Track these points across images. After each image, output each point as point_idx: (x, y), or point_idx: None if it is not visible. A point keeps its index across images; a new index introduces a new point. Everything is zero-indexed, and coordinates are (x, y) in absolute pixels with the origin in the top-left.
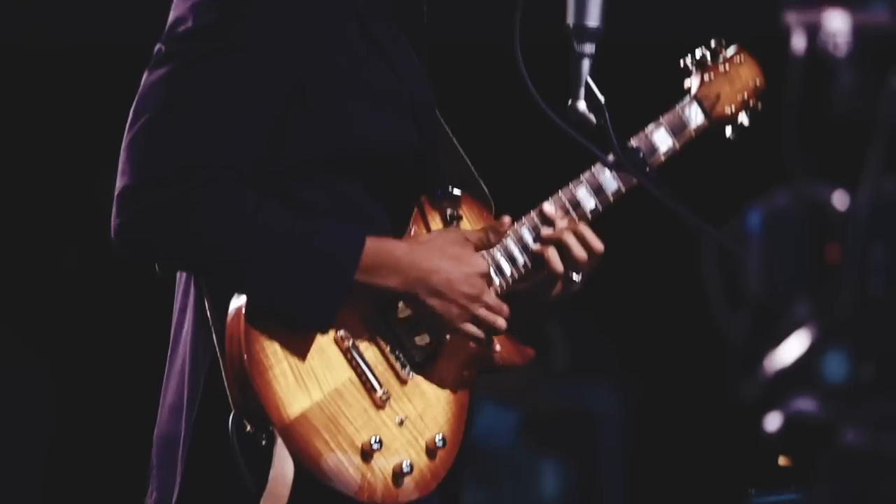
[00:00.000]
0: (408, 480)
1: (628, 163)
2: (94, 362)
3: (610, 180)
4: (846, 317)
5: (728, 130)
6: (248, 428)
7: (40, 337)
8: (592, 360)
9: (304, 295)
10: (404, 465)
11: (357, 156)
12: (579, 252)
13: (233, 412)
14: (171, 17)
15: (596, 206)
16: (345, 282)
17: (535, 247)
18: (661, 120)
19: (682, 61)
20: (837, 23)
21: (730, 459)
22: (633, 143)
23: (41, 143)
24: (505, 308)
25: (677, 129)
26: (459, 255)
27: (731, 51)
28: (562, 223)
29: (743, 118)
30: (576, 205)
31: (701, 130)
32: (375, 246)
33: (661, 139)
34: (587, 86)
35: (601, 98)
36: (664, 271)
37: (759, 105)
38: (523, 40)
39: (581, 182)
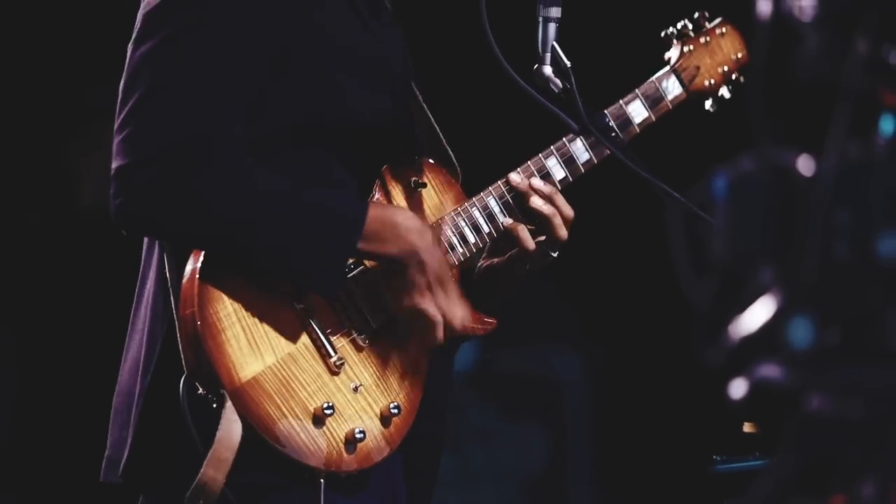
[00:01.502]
0: (360, 447)
1: (594, 127)
2: (59, 318)
3: (581, 151)
4: (811, 282)
5: (708, 103)
6: (200, 390)
7: (2, 296)
8: (557, 326)
9: (313, 259)
10: (356, 432)
11: (334, 122)
12: (558, 222)
13: (184, 374)
14: None
15: (566, 176)
16: (352, 245)
17: (504, 219)
18: (637, 91)
19: (663, 32)
20: None
21: (695, 426)
22: (607, 114)
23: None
24: (464, 307)
25: (653, 100)
26: (433, 242)
27: (714, 22)
28: (543, 190)
29: (724, 91)
30: (545, 175)
31: (678, 102)
32: (378, 213)
33: (636, 111)
34: (553, 50)
35: (567, 63)
36: (630, 236)
37: (741, 78)
38: (490, 5)
39: (551, 152)
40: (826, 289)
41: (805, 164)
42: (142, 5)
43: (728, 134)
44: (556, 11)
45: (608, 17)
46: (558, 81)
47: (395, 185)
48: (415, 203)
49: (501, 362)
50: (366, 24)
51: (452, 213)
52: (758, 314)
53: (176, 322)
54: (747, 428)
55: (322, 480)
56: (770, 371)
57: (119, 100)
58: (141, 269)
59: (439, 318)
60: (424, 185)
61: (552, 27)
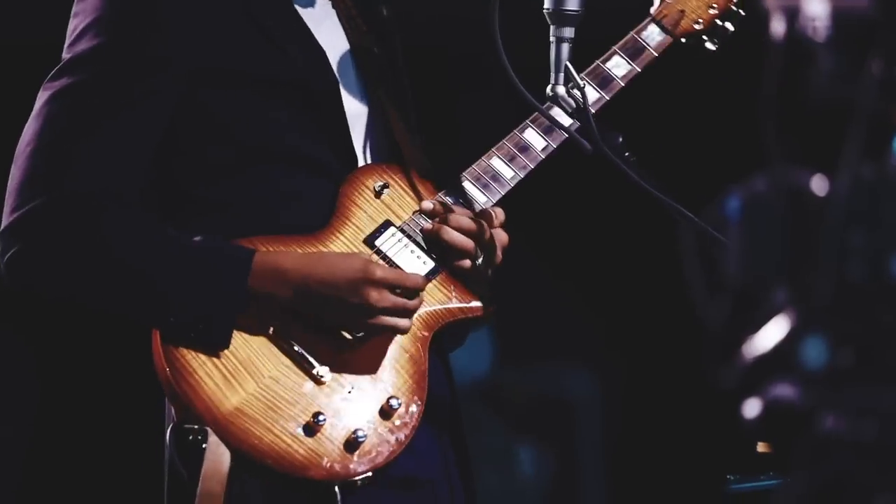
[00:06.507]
0: (365, 447)
1: (607, 149)
2: (78, 328)
3: (537, 137)
4: (825, 302)
5: (708, 43)
6: (189, 437)
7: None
8: (571, 346)
9: (197, 316)
10: (358, 434)
11: (267, 151)
12: (461, 241)
13: (171, 424)
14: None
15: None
16: (238, 298)
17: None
18: (614, 48)
19: None
20: (816, 7)
21: (708, 446)
22: (585, 75)
23: None
24: (410, 304)
25: (634, 52)
26: (345, 266)
27: None
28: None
29: (723, 27)
30: (494, 177)
31: (664, 48)
32: (263, 259)
33: (616, 65)
34: (566, 70)
35: (581, 83)
36: (643, 256)
37: (742, 11)
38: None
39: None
40: (840, 309)
41: (818, 185)
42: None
43: (741, 154)
44: (569, 32)
45: None
46: (571, 101)
47: (360, 192)
48: (381, 206)
49: (513, 381)
50: (275, 44)
51: (416, 215)
52: (771, 334)
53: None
54: (761, 448)
55: (336, 490)
56: (784, 391)
57: (19, 142)
58: None
59: (403, 324)
60: (387, 186)
61: (565, 47)
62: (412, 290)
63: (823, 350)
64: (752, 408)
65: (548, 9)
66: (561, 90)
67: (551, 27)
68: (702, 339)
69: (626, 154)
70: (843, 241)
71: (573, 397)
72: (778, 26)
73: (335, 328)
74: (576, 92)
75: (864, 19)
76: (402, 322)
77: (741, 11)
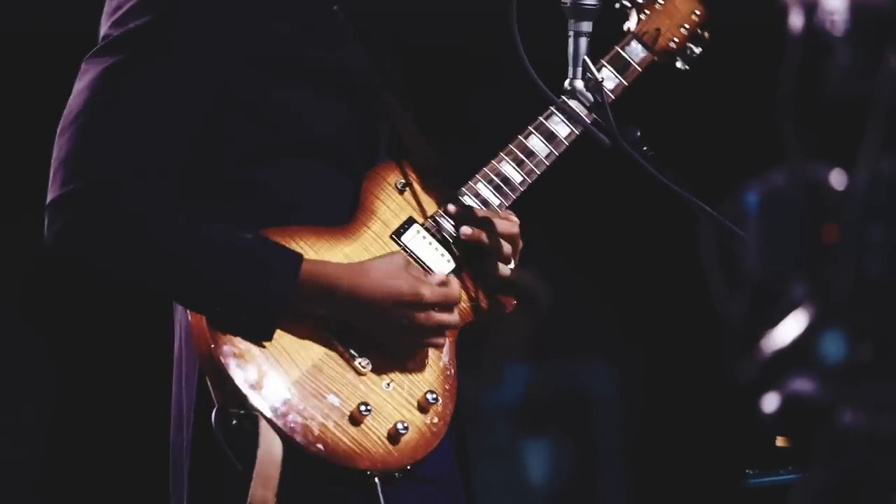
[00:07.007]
0: (406, 441)
1: (625, 144)
2: (97, 330)
3: (541, 146)
4: (844, 297)
5: (679, 63)
6: (234, 421)
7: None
8: (590, 341)
9: (243, 310)
10: (399, 426)
11: (300, 140)
12: (496, 244)
13: (215, 408)
14: (108, 3)
15: (523, 179)
16: (283, 304)
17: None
18: (602, 61)
19: (617, 3)
20: (835, 1)
21: (727, 440)
22: (578, 85)
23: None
24: (452, 321)
25: (621, 67)
26: (391, 286)
27: None
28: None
29: (692, 49)
30: (505, 180)
31: (647, 63)
32: (310, 269)
33: (606, 78)
34: (584, 64)
35: (598, 77)
36: (661, 251)
37: (706, 34)
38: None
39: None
40: (858, 304)
41: (837, 179)
42: (103, 17)
43: (759, 148)
44: (586, 26)
45: None
46: (589, 96)
47: (382, 188)
48: (403, 203)
49: (532, 376)
50: (313, 33)
51: (437, 214)
52: (790, 329)
53: (198, 361)
54: (780, 442)
55: (377, 481)
56: (802, 385)
57: (62, 119)
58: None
59: (442, 342)
60: (410, 184)
61: (583, 42)
62: (452, 304)
63: (842, 344)
64: (770, 402)
65: (565, 3)
66: (579, 84)
67: (569, 21)
68: (721, 333)
69: (644, 148)
70: (861, 236)
71: (592, 392)
72: (796, 20)
73: None
74: (602, 78)
75: (882, 13)
76: (441, 340)
77: (706, 34)
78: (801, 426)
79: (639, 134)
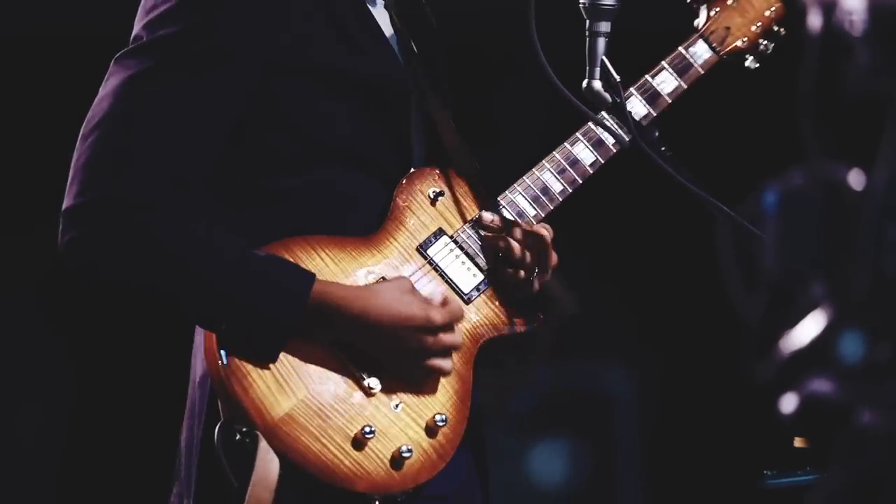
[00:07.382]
0: (409, 464)
1: (644, 144)
2: (115, 329)
3: (587, 152)
4: (862, 297)
5: (748, 61)
6: (237, 436)
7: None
8: (608, 342)
9: (249, 331)
10: (403, 450)
11: (330, 149)
12: (520, 255)
13: (220, 421)
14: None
15: (563, 188)
16: (291, 326)
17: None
18: (663, 63)
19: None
20: (854, 1)
21: (745, 441)
22: (633, 90)
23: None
24: (458, 343)
25: (682, 69)
26: (401, 309)
27: None
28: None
29: (764, 47)
30: (544, 190)
31: (710, 66)
32: (320, 291)
33: (665, 81)
34: (602, 64)
35: (617, 77)
36: (680, 251)
37: (783, 31)
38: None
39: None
40: (877, 303)
41: (856, 179)
42: (137, 17)
43: (778, 148)
44: (605, 26)
45: None
46: (608, 96)
47: (414, 197)
48: (434, 214)
49: (551, 377)
50: (351, 42)
51: (468, 225)
52: (809, 329)
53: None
54: (798, 443)
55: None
56: (821, 386)
57: (85, 122)
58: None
59: (448, 365)
60: (442, 193)
61: (601, 42)
62: (454, 325)
63: (860, 344)
64: (789, 403)
65: (584, 3)
66: (597, 85)
67: (587, 21)
68: (739, 334)
69: (663, 149)
70: (880, 236)
71: (611, 393)
72: (815, 21)
73: None
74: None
75: None
76: (447, 363)
77: (782, 31)
78: (820, 427)
79: (657, 134)
